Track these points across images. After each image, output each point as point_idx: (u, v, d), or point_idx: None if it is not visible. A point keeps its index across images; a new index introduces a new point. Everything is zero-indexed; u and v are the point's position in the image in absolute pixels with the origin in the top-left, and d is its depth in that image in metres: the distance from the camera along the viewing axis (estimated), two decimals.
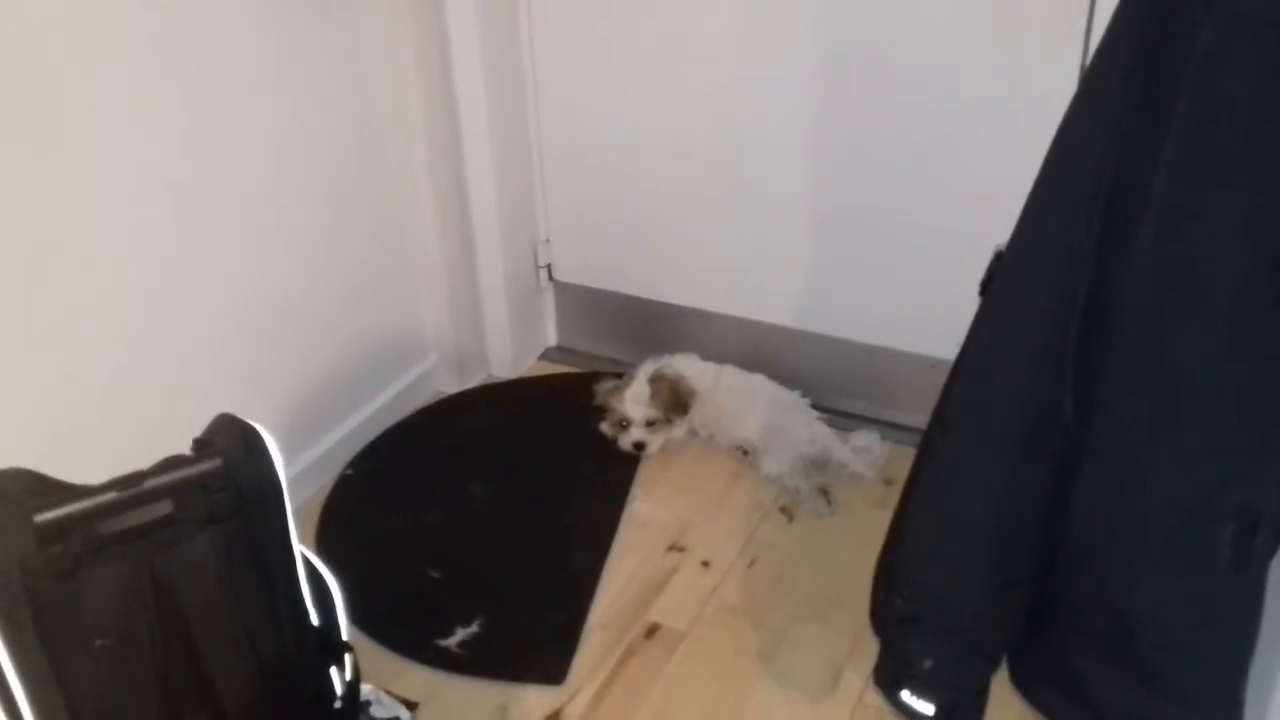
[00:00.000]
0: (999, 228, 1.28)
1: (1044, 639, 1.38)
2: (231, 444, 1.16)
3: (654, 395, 2.17)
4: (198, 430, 1.21)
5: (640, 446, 2.19)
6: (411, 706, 1.63)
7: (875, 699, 1.59)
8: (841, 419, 2.24)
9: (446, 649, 1.75)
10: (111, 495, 1.08)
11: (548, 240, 2.49)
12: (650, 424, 2.19)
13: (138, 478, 1.10)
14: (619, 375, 2.30)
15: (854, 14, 1.95)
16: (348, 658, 1.30)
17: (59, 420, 1.60)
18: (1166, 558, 1.20)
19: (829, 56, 2.00)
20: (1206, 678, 1.22)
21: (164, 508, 1.11)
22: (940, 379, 1.40)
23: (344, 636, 1.31)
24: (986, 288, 1.32)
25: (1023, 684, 1.45)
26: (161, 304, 1.74)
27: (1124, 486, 1.22)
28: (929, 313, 1.92)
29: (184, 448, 1.17)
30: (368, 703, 1.56)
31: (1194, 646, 1.22)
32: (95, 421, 1.65)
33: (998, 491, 1.31)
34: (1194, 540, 1.18)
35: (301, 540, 1.23)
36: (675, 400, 2.19)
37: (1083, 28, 1.74)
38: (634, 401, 2.17)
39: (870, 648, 1.53)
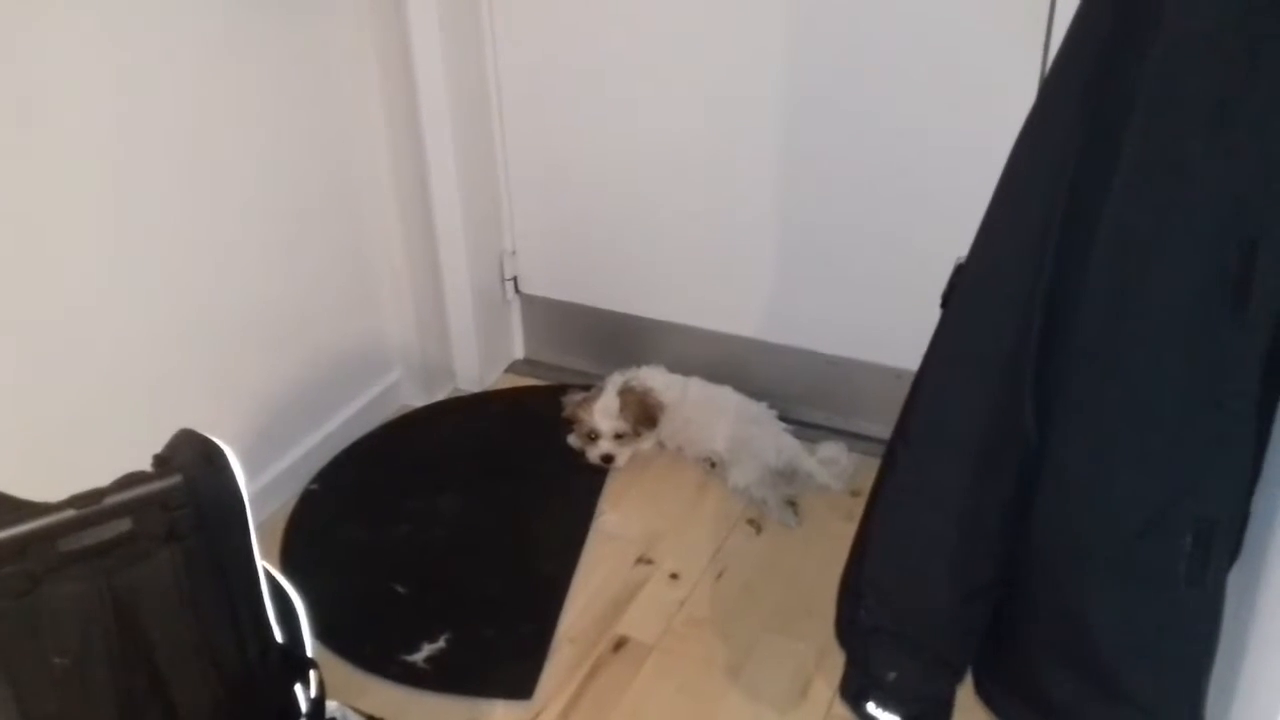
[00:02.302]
0: (960, 240, 1.29)
1: (1008, 649, 1.39)
2: (192, 460, 1.14)
3: (623, 408, 2.17)
4: (158, 446, 1.19)
5: (608, 459, 2.19)
6: None
7: (843, 710, 1.59)
8: (808, 430, 2.26)
9: (413, 664, 1.74)
10: (70, 513, 1.07)
11: (514, 252, 2.48)
12: (619, 436, 2.19)
13: (96, 495, 1.08)
14: (586, 388, 2.30)
15: (819, 31, 1.96)
16: (312, 674, 1.29)
17: (15, 436, 1.58)
18: (1125, 570, 1.21)
19: (794, 71, 2.02)
20: (1167, 689, 1.23)
21: (123, 525, 1.09)
22: (906, 390, 1.41)
23: (309, 653, 1.30)
24: (948, 300, 1.33)
25: (987, 694, 1.45)
26: (119, 318, 1.72)
27: (1082, 498, 1.23)
28: (894, 324, 1.93)
29: (144, 464, 1.15)
30: (333, 719, 1.54)
31: (1154, 658, 1.23)
32: (53, 437, 1.63)
33: (960, 503, 1.31)
34: (1152, 552, 1.18)
35: (265, 556, 1.22)
36: (644, 413, 2.19)
37: (1041, 42, 1.77)
38: (603, 414, 2.17)
39: (839, 658, 1.53)
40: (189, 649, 1.15)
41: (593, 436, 2.19)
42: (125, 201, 1.69)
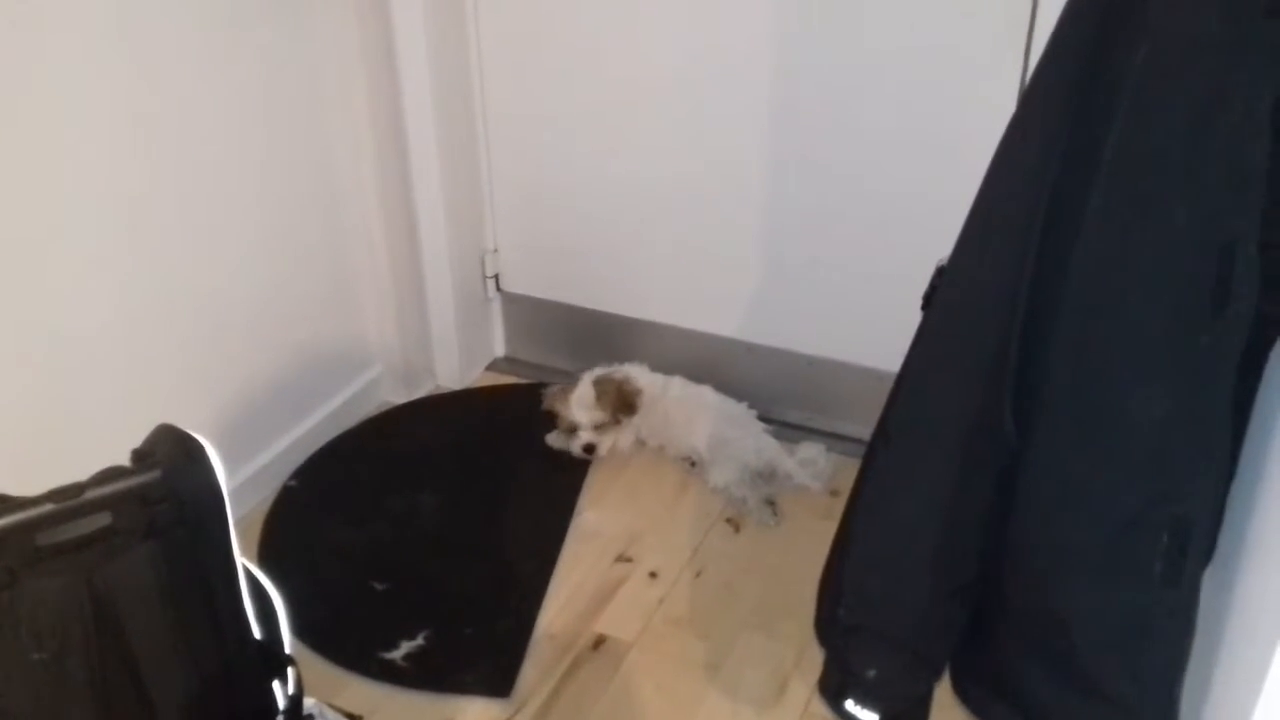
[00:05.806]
0: (942, 242, 1.30)
1: (986, 647, 1.40)
2: (172, 455, 1.14)
3: (599, 396, 2.18)
4: (137, 441, 1.18)
5: (590, 449, 2.19)
6: None
7: (821, 708, 1.60)
8: (788, 430, 2.26)
9: (391, 662, 1.74)
10: (49, 507, 1.06)
11: (495, 250, 2.48)
12: (598, 426, 2.19)
13: (76, 489, 1.08)
14: None
15: (804, 32, 1.97)
16: (290, 671, 1.28)
17: None
18: (1102, 569, 1.22)
19: (778, 72, 2.02)
20: (1142, 686, 1.24)
21: (103, 520, 1.09)
22: (885, 391, 1.42)
23: (287, 650, 1.29)
24: (929, 302, 1.34)
25: (964, 692, 1.46)
26: (100, 313, 1.71)
27: (1060, 499, 1.24)
28: (874, 326, 1.93)
29: (123, 458, 1.14)
30: (311, 717, 1.53)
31: (1130, 656, 1.24)
32: (31, 431, 1.62)
33: (940, 503, 1.32)
34: (1128, 552, 1.19)
35: (244, 552, 1.21)
36: (622, 400, 2.20)
37: (1023, 46, 1.78)
38: (579, 405, 2.18)
39: (816, 657, 1.54)
40: (167, 645, 1.15)
41: (573, 429, 2.19)
42: (106, 197, 1.68)
